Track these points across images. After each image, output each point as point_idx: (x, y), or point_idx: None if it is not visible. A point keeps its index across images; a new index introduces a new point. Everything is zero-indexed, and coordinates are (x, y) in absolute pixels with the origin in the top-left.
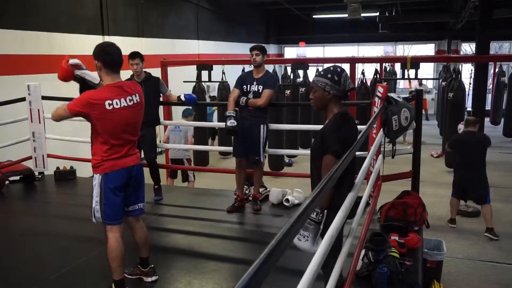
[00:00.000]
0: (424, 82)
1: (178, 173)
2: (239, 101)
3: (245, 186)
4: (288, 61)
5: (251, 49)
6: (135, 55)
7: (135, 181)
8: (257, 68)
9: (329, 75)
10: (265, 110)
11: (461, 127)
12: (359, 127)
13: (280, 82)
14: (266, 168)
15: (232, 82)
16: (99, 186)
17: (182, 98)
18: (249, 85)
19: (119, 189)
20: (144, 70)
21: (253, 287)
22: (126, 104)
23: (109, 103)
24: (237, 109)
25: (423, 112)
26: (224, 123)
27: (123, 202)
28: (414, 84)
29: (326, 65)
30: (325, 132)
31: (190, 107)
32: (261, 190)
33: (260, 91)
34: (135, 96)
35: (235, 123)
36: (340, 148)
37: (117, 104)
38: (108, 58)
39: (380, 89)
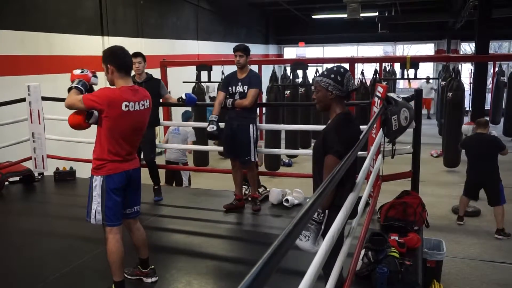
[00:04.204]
0: (431, 81)
1: (173, 181)
2: (226, 103)
3: (244, 186)
4: (287, 61)
5: (235, 50)
6: (137, 54)
7: (134, 185)
8: (240, 69)
9: (332, 75)
10: (253, 109)
11: (465, 128)
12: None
13: (279, 82)
14: (265, 168)
15: None
16: (100, 187)
17: (183, 96)
18: (234, 86)
19: (119, 191)
20: (145, 71)
21: None
22: (138, 108)
23: (126, 105)
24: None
25: (426, 111)
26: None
27: (122, 204)
28: (421, 82)
29: (325, 66)
30: (327, 132)
31: (189, 109)
32: (260, 190)
33: (245, 91)
34: (146, 102)
35: (214, 127)
36: (342, 148)
37: (132, 107)
38: (120, 61)
39: (379, 89)
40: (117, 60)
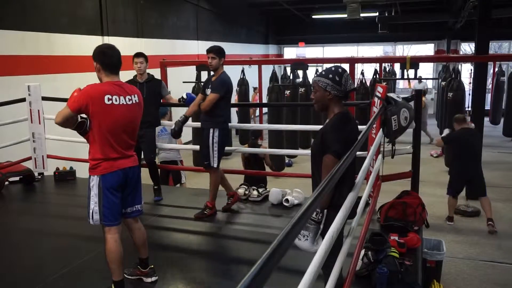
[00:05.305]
0: (423, 80)
1: (169, 180)
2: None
3: (244, 186)
4: (287, 61)
5: (207, 52)
6: (139, 54)
7: (132, 183)
8: (213, 71)
9: (330, 75)
10: (215, 113)
11: (447, 131)
12: (358, 127)
13: (279, 82)
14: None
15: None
16: (97, 187)
17: (184, 96)
18: (207, 89)
19: (116, 190)
20: (147, 71)
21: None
22: (125, 103)
23: (108, 98)
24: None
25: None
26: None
27: (121, 203)
28: (414, 82)
29: (325, 66)
30: (325, 132)
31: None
32: (260, 190)
33: None
34: (134, 97)
35: (173, 125)
36: (340, 148)
37: (116, 101)
38: (106, 60)
39: (379, 89)
40: (104, 58)
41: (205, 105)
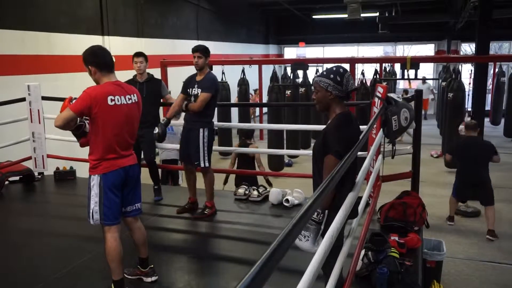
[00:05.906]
0: (427, 81)
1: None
2: (183, 105)
3: (244, 186)
4: (288, 61)
5: (193, 51)
6: (139, 53)
7: (132, 181)
8: (199, 70)
9: (332, 76)
10: (205, 113)
11: (462, 128)
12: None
13: (279, 82)
14: (266, 168)
15: (232, 83)
16: (98, 186)
17: None
18: (191, 89)
19: (117, 189)
20: (146, 71)
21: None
22: (125, 102)
23: (111, 99)
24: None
25: (423, 112)
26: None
27: (121, 202)
28: (417, 82)
29: (325, 66)
30: (327, 132)
31: None
32: (260, 190)
33: (199, 94)
34: (133, 96)
35: (157, 129)
36: (342, 149)
37: (118, 101)
38: (100, 60)
39: (380, 89)
40: (97, 60)
41: (198, 105)
